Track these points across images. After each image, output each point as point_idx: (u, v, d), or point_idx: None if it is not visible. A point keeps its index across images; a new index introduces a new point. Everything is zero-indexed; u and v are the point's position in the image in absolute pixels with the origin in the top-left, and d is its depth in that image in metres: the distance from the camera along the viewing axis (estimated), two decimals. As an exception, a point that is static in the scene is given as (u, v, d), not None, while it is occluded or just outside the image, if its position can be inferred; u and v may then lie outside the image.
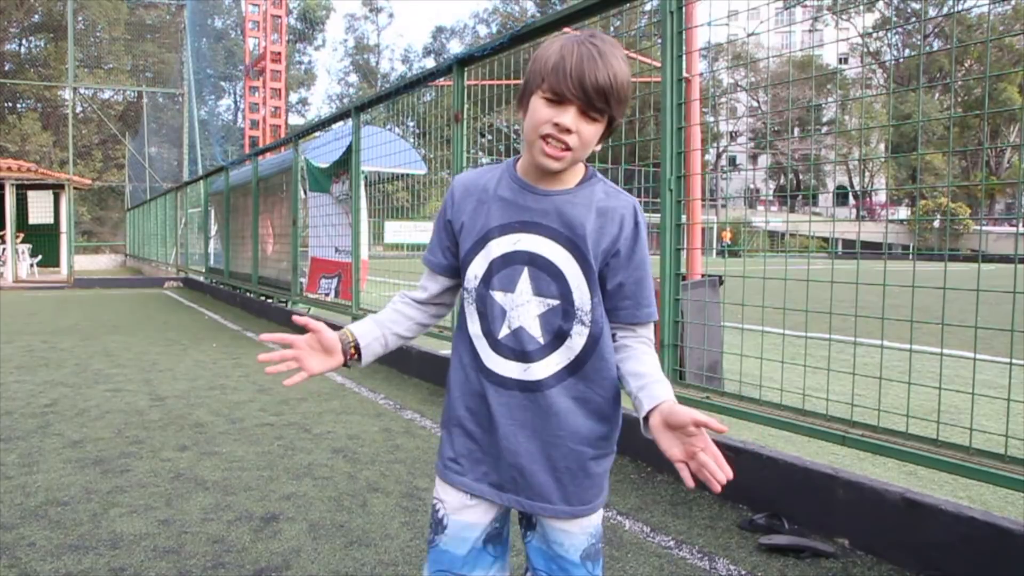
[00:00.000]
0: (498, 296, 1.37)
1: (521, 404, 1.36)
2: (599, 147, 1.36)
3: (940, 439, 2.58)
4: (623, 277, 1.37)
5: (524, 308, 1.35)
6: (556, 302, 1.35)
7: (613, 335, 1.41)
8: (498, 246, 1.37)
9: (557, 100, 1.26)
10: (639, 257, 1.37)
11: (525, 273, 1.35)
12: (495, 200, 1.39)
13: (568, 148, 1.28)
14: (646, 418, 1.29)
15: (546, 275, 1.35)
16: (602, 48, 1.26)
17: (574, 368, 1.36)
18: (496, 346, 1.37)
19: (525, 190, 1.37)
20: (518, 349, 1.36)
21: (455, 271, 1.46)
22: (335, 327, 1.47)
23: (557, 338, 1.36)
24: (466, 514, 1.41)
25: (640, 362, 1.38)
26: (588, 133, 1.28)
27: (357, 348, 1.44)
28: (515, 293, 1.36)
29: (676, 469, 1.23)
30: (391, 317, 1.50)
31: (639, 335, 1.41)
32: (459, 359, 1.44)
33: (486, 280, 1.37)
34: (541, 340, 1.35)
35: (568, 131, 1.26)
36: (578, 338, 1.36)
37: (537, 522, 1.43)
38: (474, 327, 1.40)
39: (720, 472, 1.18)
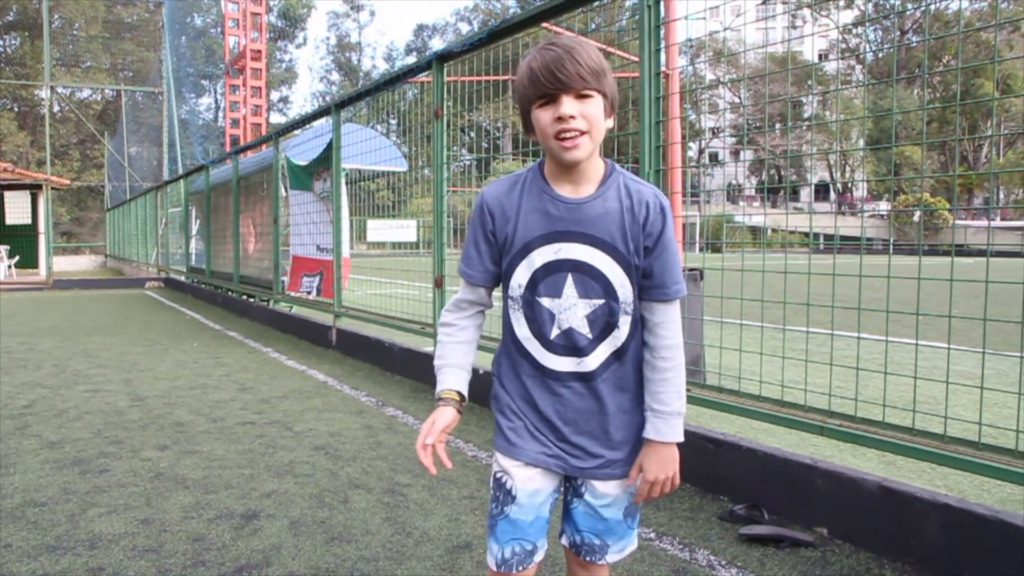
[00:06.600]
0: (545, 301, 1.47)
1: (579, 392, 1.49)
2: (611, 123, 1.45)
3: (916, 428, 2.61)
4: (653, 260, 1.46)
5: (572, 311, 1.46)
6: (601, 301, 1.46)
7: (643, 317, 1.50)
8: (540, 256, 1.46)
9: (548, 100, 1.38)
10: (665, 239, 1.46)
11: (570, 279, 1.46)
12: (531, 212, 1.47)
13: (581, 132, 1.38)
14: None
15: (590, 278, 1.45)
16: (558, 43, 1.38)
17: (620, 353, 1.50)
18: (549, 346, 1.49)
19: (559, 201, 1.45)
20: (570, 346, 1.48)
21: (496, 278, 1.56)
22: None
23: (605, 331, 1.48)
24: (533, 483, 1.51)
25: (659, 384, 1.48)
26: (591, 111, 1.38)
27: (463, 397, 1.56)
28: (562, 298, 1.46)
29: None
30: (465, 351, 1.59)
31: (667, 318, 1.48)
32: (508, 358, 1.56)
33: (531, 287, 1.48)
34: (590, 336, 1.47)
35: (572, 117, 1.36)
36: (624, 327, 1.48)
37: (586, 490, 1.55)
38: (522, 331, 1.51)
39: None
